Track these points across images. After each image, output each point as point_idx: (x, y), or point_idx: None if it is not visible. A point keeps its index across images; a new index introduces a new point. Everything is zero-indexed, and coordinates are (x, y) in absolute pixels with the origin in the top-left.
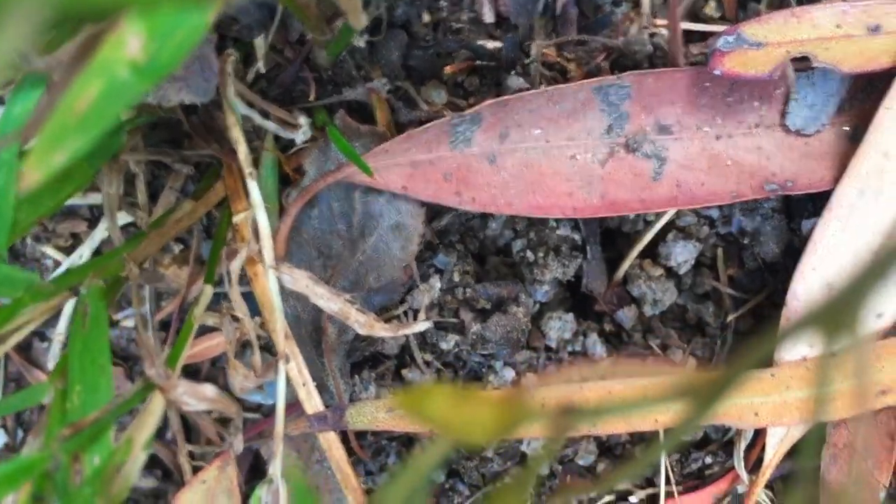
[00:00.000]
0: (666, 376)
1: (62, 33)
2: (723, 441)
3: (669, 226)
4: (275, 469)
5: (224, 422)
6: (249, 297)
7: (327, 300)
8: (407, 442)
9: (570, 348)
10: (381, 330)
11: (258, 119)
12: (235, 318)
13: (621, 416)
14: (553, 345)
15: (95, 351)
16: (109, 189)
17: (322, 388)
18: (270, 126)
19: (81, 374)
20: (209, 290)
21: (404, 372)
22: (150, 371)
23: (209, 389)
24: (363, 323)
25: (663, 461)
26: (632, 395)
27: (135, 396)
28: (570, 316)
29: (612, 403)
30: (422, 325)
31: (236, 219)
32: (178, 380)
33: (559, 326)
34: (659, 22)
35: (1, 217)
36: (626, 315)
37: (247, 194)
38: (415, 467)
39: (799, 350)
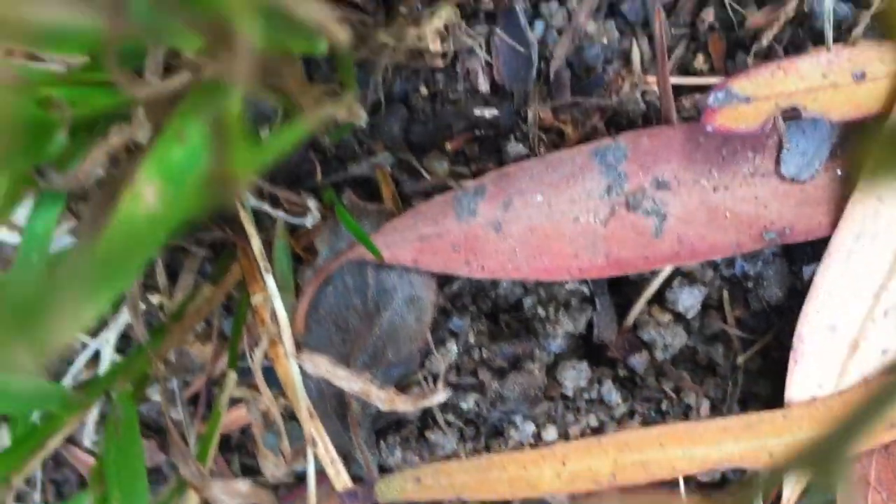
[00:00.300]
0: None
1: (75, 149)
2: (741, 483)
3: (675, 271)
4: None
5: None
6: (271, 372)
7: (348, 381)
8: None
9: (586, 396)
10: (401, 404)
11: (268, 209)
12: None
13: (665, 462)
14: (570, 393)
15: (130, 456)
16: (131, 288)
17: (350, 459)
18: (281, 216)
19: (118, 479)
20: (233, 376)
21: (427, 433)
22: (184, 471)
23: (242, 485)
24: (384, 399)
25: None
26: (650, 445)
27: (170, 496)
28: (584, 364)
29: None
30: (440, 397)
31: (254, 300)
32: (212, 479)
33: (574, 375)
34: (650, 79)
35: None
36: (638, 361)
37: (263, 279)
38: None
39: (808, 390)
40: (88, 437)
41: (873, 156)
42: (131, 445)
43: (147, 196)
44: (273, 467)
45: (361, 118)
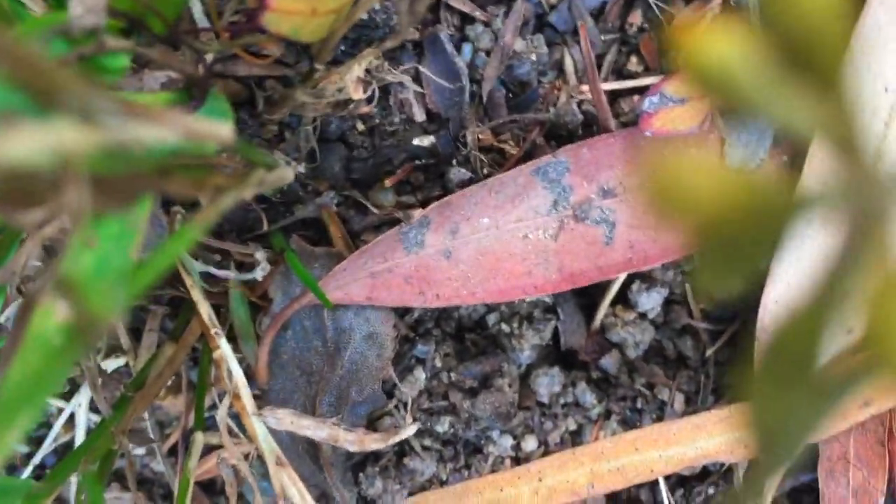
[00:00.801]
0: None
1: (9, 241)
2: (722, 471)
3: (633, 274)
4: None
5: None
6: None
7: (314, 430)
8: None
9: (562, 401)
10: (372, 443)
11: (216, 272)
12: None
13: (643, 466)
14: (545, 400)
15: None
16: (88, 363)
17: (329, 498)
18: (231, 275)
19: None
20: (200, 438)
21: (405, 460)
22: None
23: None
24: (353, 441)
25: (666, 499)
26: (625, 450)
27: None
28: (556, 369)
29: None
30: (410, 430)
31: (215, 355)
32: None
33: (548, 382)
34: (585, 88)
35: None
36: (610, 362)
37: (224, 328)
38: None
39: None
40: None
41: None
42: None
43: (58, 309)
44: None
45: (289, 179)
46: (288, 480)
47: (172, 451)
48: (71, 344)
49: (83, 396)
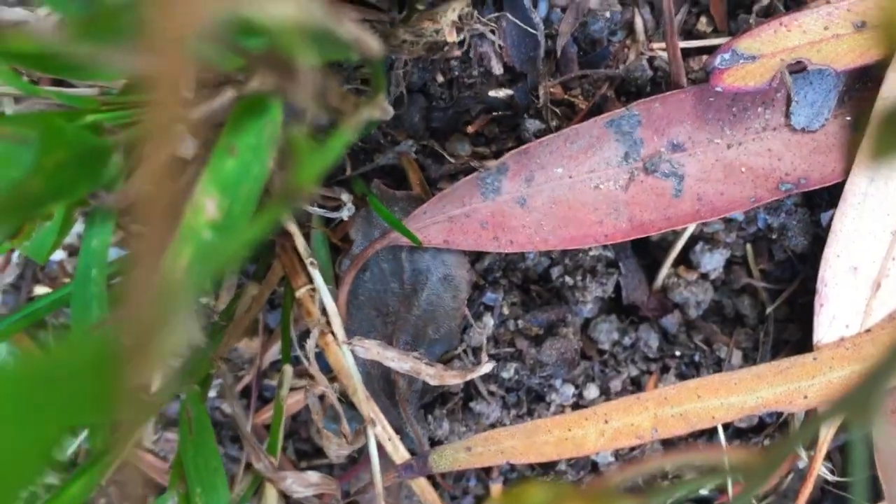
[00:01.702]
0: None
1: (125, 169)
2: (778, 423)
3: (697, 235)
4: None
5: None
6: (320, 358)
7: (399, 361)
8: (484, 468)
9: (623, 344)
10: (450, 378)
11: (307, 207)
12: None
13: (704, 413)
14: (606, 347)
15: (207, 454)
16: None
17: (401, 433)
18: (318, 211)
19: (198, 477)
20: (289, 370)
21: (472, 404)
22: (258, 465)
23: (313, 476)
24: (433, 375)
25: (724, 446)
26: (688, 397)
27: (248, 490)
28: (613, 316)
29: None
30: (486, 368)
31: (299, 294)
32: (284, 472)
33: (607, 328)
34: (655, 45)
35: None
36: (671, 321)
37: (304, 269)
38: None
39: (836, 332)
40: (148, 439)
41: (876, 138)
42: (207, 443)
43: (208, 208)
44: (337, 448)
45: (390, 114)
46: (372, 412)
47: (243, 394)
48: (221, 238)
49: None
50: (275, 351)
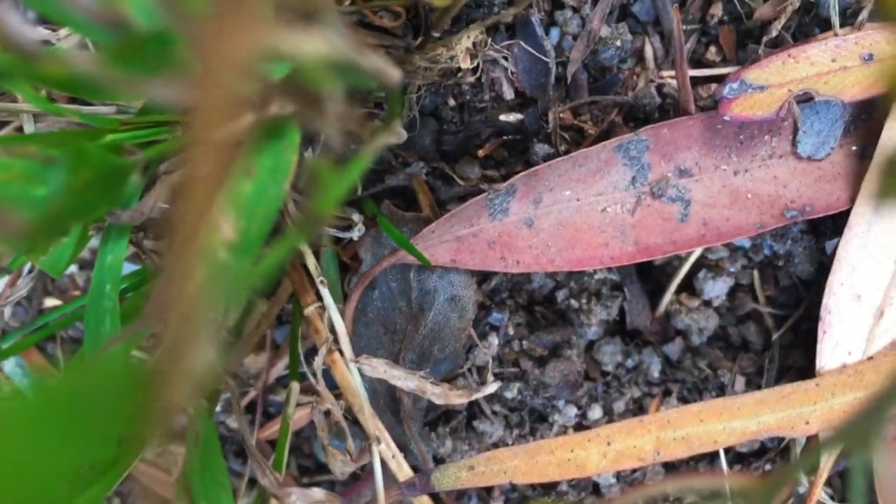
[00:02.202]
0: (736, 407)
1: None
2: (779, 448)
3: (700, 261)
4: None
5: None
6: (326, 375)
7: (405, 380)
8: (486, 486)
9: (626, 366)
10: (455, 399)
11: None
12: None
13: (706, 437)
14: (609, 369)
15: (213, 469)
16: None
17: (405, 450)
18: (330, 231)
19: (204, 491)
20: (296, 387)
21: (475, 423)
22: (263, 481)
23: (317, 493)
24: (439, 394)
25: (725, 471)
26: (690, 421)
27: None
28: (618, 338)
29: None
30: (490, 388)
31: (307, 311)
32: (289, 488)
33: (612, 350)
34: (664, 73)
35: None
36: (673, 348)
37: (312, 286)
38: None
39: (838, 358)
40: (151, 451)
41: (879, 181)
42: (213, 458)
43: (224, 229)
44: (341, 465)
45: (403, 137)
46: (376, 430)
47: (248, 409)
48: (236, 258)
49: None
50: (281, 367)
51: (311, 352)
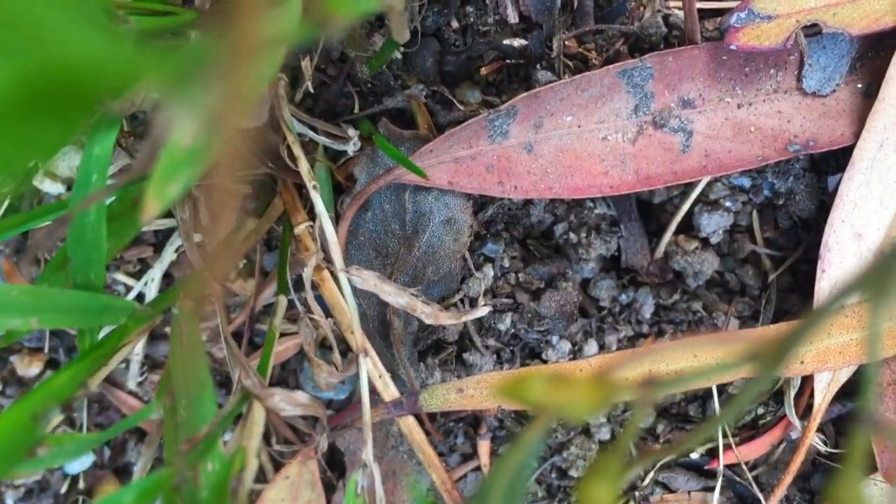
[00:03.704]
0: (728, 344)
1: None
2: (773, 391)
3: (702, 198)
4: (367, 455)
5: (292, 426)
6: (317, 298)
7: (395, 296)
8: (473, 423)
9: (621, 302)
10: (445, 319)
11: (312, 135)
12: (311, 321)
13: (701, 380)
14: (606, 304)
15: (196, 368)
16: (183, 214)
17: (393, 377)
18: (324, 140)
19: (186, 390)
20: (283, 301)
21: (465, 356)
22: (246, 382)
23: (301, 396)
24: (429, 314)
25: (718, 412)
26: (684, 358)
27: (236, 406)
28: (613, 274)
29: (674, 367)
30: (483, 311)
31: (297, 230)
32: (272, 389)
33: (608, 285)
34: (671, 3)
35: (97, 251)
36: (669, 290)
37: (304, 207)
38: (520, 445)
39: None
40: (133, 380)
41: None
42: (197, 357)
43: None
44: (327, 376)
45: (405, 35)
46: (365, 346)
47: (235, 338)
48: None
49: (157, 271)
50: (269, 294)
51: (301, 281)
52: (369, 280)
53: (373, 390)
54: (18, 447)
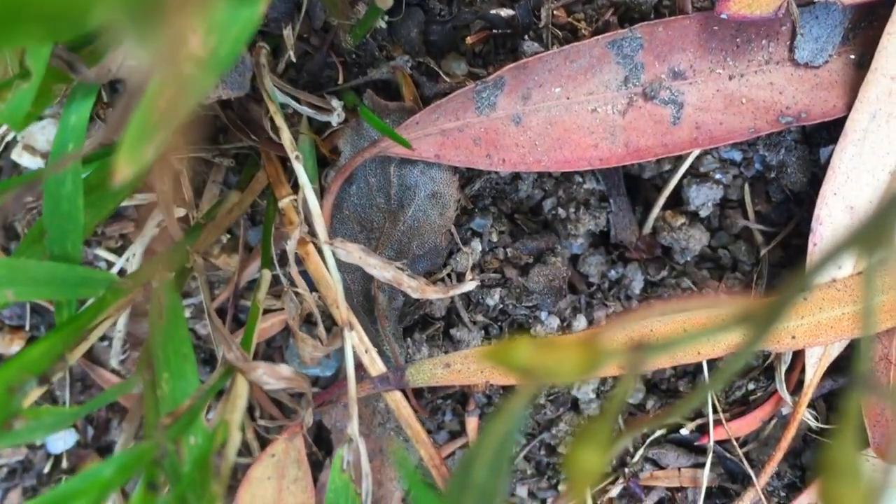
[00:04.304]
0: (719, 308)
1: (105, 44)
2: (763, 367)
3: (692, 171)
4: (353, 429)
5: (278, 403)
6: (302, 276)
7: (380, 269)
8: (461, 399)
9: (610, 277)
10: (432, 292)
11: (295, 106)
12: (296, 295)
13: (690, 347)
14: (595, 280)
15: (177, 341)
16: (163, 186)
17: (379, 353)
18: (307, 111)
19: (167, 363)
20: (267, 275)
21: (453, 331)
22: (229, 355)
23: (285, 369)
24: (415, 287)
25: (709, 391)
26: (674, 331)
27: (219, 380)
28: (602, 249)
29: (663, 339)
30: (470, 285)
31: (281, 204)
32: (256, 362)
33: (597, 261)
34: None
35: (74, 221)
36: (658, 265)
37: (289, 180)
38: (506, 413)
39: (828, 272)
40: (115, 358)
41: None
42: (177, 330)
43: (192, 44)
44: (311, 350)
45: (388, 2)
46: (351, 320)
47: (218, 314)
48: (203, 74)
49: (138, 247)
50: (253, 269)
51: (285, 256)
52: (354, 253)
53: (359, 366)
54: None
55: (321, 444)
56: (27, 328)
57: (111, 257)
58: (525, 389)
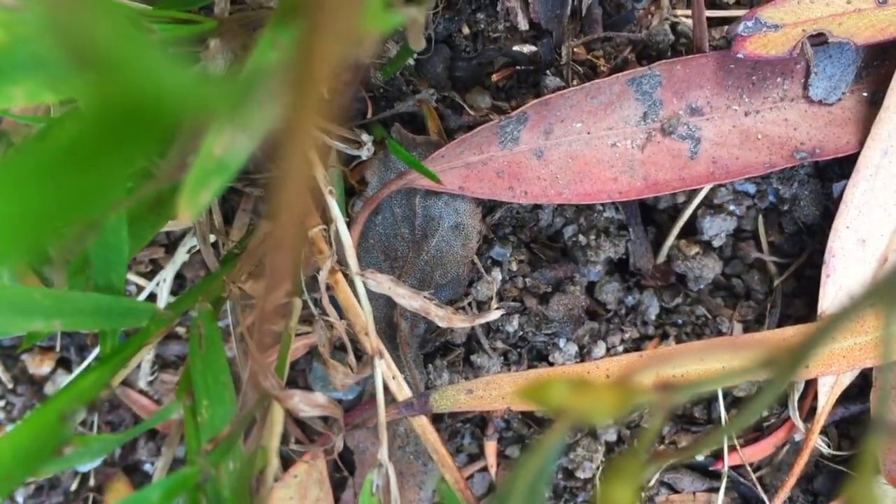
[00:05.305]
0: (742, 350)
1: None
2: (777, 394)
3: (706, 202)
4: (383, 455)
5: (300, 423)
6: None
7: (408, 299)
8: (480, 423)
9: (627, 304)
10: (459, 322)
11: (327, 139)
12: (326, 323)
13: (714, 386)
14: (612, 307)
15: (216, 369)
16: (199, 217)
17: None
18: (339, 145)
19: (206, 390)
20: (298, 303)
21: (473, 358)
22: (265, 384)
23: (320, 397)
24: (442, 316)
25: (723, 417)
26: (694, 367)
27: (256, 406)
28: (618, 277)
29: (687, 375)
30: (495, 314)
31: (311, 233)
32: (291, 391)
33: (614, 288)
34: (679, 12)
35: (118, 253)
36: (673, 293)
37: (318, 210)
38: (540, 449)
39: (840, 302)
40: (144, 379)
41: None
42: (216, 358)
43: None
44: (342, 377)
45: (421, 44)
46: (379, 348)
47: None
48: None
49: (168, 272)
50: (276, 295)
51: (314, 281)
52: (384, 283)
53: (385, 391)
54: (46, 446)
55: (343, 464)
56: (58, 349)
57: (142, 282)
58: (559, 428)
